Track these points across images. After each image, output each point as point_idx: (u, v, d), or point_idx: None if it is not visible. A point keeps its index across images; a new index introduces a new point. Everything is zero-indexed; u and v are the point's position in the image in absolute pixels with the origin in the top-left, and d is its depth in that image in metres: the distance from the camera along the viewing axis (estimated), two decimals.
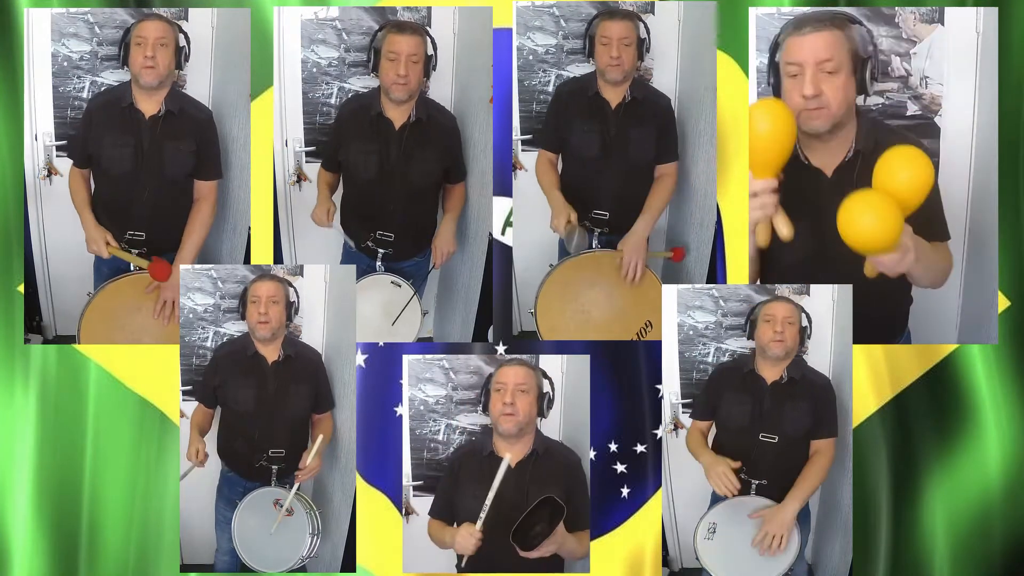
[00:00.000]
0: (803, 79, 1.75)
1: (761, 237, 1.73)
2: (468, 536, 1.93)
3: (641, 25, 2.13)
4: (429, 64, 2.14)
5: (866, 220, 1.61)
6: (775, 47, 1.82)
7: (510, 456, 1.96)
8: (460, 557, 1.95)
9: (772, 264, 1.86)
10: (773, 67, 1.83)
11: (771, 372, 2.07)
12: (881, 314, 1.95)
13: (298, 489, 2.06)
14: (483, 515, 1.92)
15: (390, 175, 2.16)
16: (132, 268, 2.11)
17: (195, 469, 2.05)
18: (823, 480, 2.03)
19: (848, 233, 1.63)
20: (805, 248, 1.82)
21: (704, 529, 2.03)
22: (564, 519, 1.93)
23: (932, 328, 2.07)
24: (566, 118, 2.17)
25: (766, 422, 2.05)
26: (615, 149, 2.16)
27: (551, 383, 2.06)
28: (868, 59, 1.79)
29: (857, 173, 1.82)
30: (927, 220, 1.79)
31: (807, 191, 1.72)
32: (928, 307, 2.04)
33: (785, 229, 1.69)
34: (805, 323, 2.06)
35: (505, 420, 1.99)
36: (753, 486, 2.04)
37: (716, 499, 2.08)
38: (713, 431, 2.12)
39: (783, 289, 2.07)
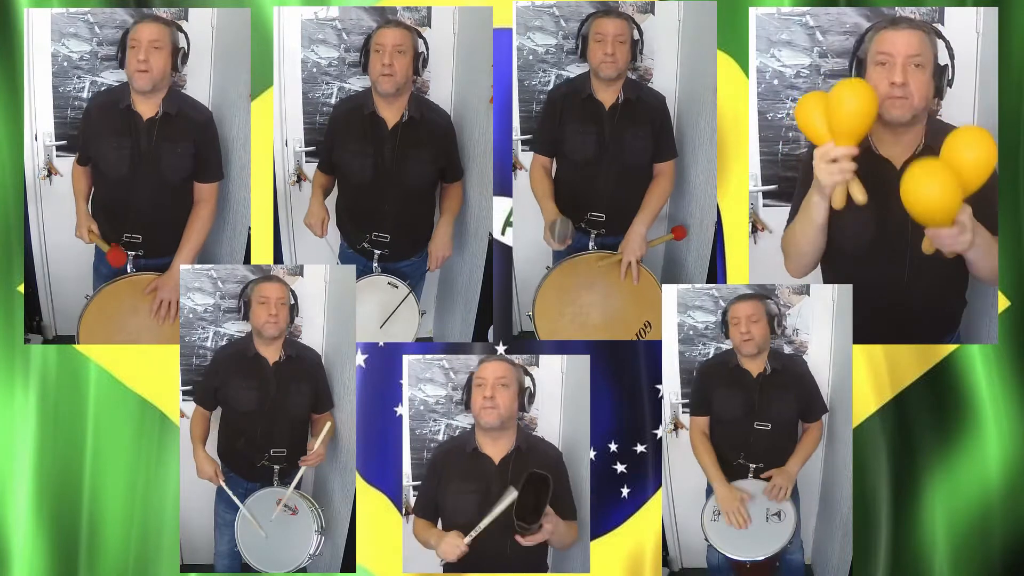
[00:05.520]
0: (893, 68, 1.82)
1: (838, 199, 1.79)
2: (454, 547, 1.94)
3: (635, 27, 2.13)
4: (419, 60, 2.14)
5: (927, 190, 1.68)
6: (859, 44, 1.89)
7: (515, 495, 1.95)
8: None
9: (833, 246, 1.90)
10: (856, 61, 1.89)
11: (754, 366, 2.12)
12: (933, 313, 1.97)
13: (299, 481, 2.06)
14: (475, 533, 1.93)
15: (384, 175, 2.15)
16: (130, 269, 2.12)
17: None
18: (816, 446, 2.14)
19: (909, 201, 1.70)
20: (867, 232, 1.87)
21: (710, 511, 2.08)
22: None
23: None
24: (560, 121, 2.16)
25: (759, 412, 2.11)
26: (610, 151, 2.16)
27: (532, 379, 2.07)
28: (945, 67, 1.88)
29: None
30: (990, 211, 1.84)
31: (875, 179, 1.79)
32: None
33: (860, 194, 1.76)
34: (774, 311, 2.10)
35: (486, 413, 2.00)
36: (751, 469, 2.09)
37: None
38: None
39: (783, 289, 2.07)
